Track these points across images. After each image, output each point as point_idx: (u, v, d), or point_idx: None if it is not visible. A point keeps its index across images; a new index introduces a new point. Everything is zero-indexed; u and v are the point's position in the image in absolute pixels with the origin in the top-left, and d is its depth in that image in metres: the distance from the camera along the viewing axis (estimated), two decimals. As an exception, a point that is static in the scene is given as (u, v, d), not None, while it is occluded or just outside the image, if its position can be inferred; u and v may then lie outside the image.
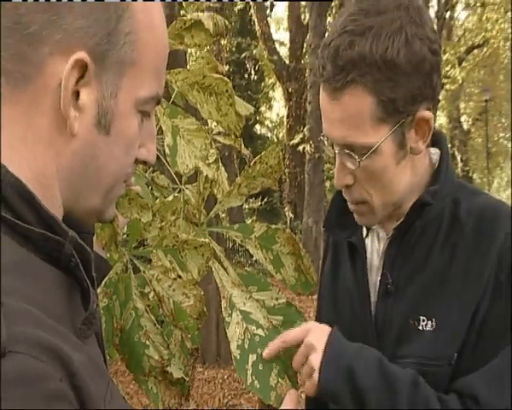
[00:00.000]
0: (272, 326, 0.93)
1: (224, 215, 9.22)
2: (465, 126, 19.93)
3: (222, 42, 10.31)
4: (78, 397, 0.49)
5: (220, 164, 1.31)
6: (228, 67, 11.89)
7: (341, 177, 0.89)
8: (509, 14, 9.95)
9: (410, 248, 0.92)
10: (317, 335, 0.88)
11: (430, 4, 11.83)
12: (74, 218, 0.66)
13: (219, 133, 1.43)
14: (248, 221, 10.72)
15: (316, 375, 0.84)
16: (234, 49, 12.36)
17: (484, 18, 10.77)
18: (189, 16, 1.01)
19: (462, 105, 18.72)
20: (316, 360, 0.85)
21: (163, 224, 0.90)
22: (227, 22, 1.05)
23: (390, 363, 0.86)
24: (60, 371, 0.47)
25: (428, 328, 0.88)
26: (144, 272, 0.90)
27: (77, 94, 0.55)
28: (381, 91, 0.81)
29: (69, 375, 0.48)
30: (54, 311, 0.53)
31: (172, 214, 0.91)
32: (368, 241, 1.01)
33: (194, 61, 1.22)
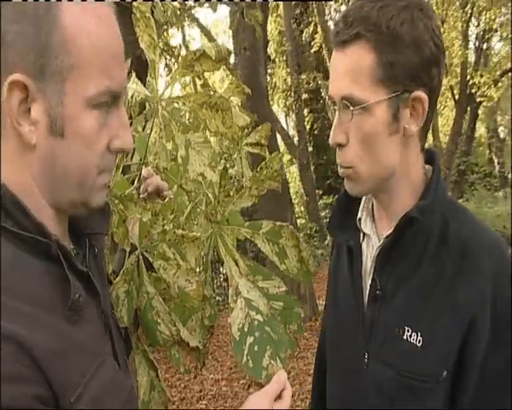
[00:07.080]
0: (271, 313, 0.96)
1: (303, 209, 11.24)
2: (501, 135, 24.54)
3: (302, 76, 12.61)
4: (45, 376, 0.54)
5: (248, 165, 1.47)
6: (306, 94, 14.34)
7: (336, 134, 0.90)
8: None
9: (399, 257, 0.92)
10: None
11: (469, 39, 14.73)
12: (85, 219, 0.72)
13: (247, 144, 1.57)
14: (323, 213, 12.74)
15: None
16: (311, 81, 14.77)
17: (515, 47, 13.11)
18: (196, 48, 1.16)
19: (498, 118, 23.65)
20: None
21: (164, 222, 1.01)
22: (229, 49, 1.18)
23: None
24: (19, 354, 0.52)
25: (413, 341, 0.87)
26: (153, 262, 0.99)
27: (29, 110, 0.58)
28: (382, 52, 0.83)
29: (31, 358, 0.53)
30: (39, 299, 0.58)
31: (171, 213, 1.03)
32: (364, 245, 1.01)
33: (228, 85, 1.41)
